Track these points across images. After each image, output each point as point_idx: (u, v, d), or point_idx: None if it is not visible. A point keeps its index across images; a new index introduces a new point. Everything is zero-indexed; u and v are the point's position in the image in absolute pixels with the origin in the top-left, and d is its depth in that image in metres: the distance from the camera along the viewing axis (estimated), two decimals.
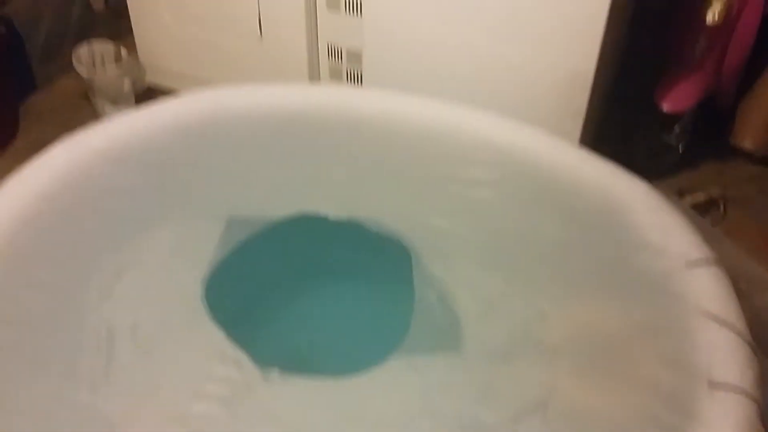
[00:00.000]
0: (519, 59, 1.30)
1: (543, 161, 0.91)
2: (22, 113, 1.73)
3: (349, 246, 0.91)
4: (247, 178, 0.89)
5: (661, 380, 0.64)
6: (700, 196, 1.44)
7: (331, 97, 1.01)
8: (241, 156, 0.91)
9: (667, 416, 0.60)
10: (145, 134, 0.91)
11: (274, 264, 0.95)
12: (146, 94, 1.72)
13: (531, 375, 0.65)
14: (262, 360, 0.65)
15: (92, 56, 1.67)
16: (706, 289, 0.73)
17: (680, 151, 1.54)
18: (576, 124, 1.32)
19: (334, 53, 1.55)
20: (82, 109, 1.73)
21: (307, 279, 1.00)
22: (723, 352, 0.66)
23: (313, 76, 1.60)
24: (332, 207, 0.86)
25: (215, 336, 0.68)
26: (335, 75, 1.58)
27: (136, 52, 1.74)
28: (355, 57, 1.52)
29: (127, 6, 1.72)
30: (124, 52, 1.67)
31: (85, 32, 1.97)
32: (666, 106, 1.44)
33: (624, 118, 1.59)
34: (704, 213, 1.42)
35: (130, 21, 1.74)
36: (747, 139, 1.55)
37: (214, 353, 0.66)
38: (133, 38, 1.75)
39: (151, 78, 1.75)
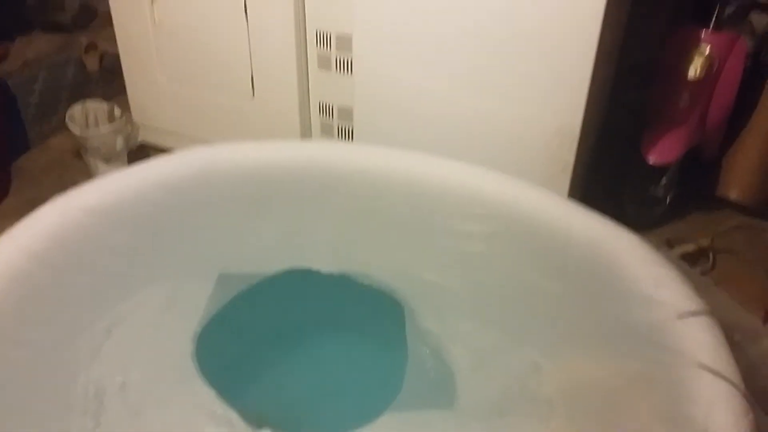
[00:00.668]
0: (507, 114, 1.32)
1: (534, 215, 0.91)
2: (15, 172, 1.74)
3: (341, 300, 0.90)
4: (238, 234, 0.89)
5: None
6: (689, 247, 1.45)
7: (323, 152, 1.03)
8: (232, 212, 0.92)
9: None
10: (137, 191, 0.91)
11: (266, 320, 0.94)
12: (139, 151, 1.73)
13: (526, 429, 0.64)
14: (253, 417, 0.64)
15: (86, 115, 1.69)
16: (700, 340, 0.73)
17: (668, 203, 1.56)
18: (565, 177, 1.34)
19: (326, 110, 1.58)
20: (75, 167, 1.75)
21: (299, 334, 0.99)
22: (718, 403, 0.65)
23: (305, 133, 1.63)
24: (324, 262, 0.86)
25: (206, 394, 0.66)
26: (327, 131, 1.61)
27: (130, 111, 1.76)
28: (346, 114, 1.55)
29: (121, 66, 1.76)
30: (117, 111, 1.70)
31: (79, 92, 2.00)
32: (652, 159, 1.46)
33: (612, 171, 1.61)
34: (694, 263, 1.42)
35: (123, 80, 1.77)
36: (733, 190, 1.57)
37: (204, 412, 0.65)
38: (127, 97, 1.78)
39: (145, 136, 1.77)
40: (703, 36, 1.41)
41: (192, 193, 0.93)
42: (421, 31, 1.31)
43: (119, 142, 1.65)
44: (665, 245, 1.44)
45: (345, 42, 1.45)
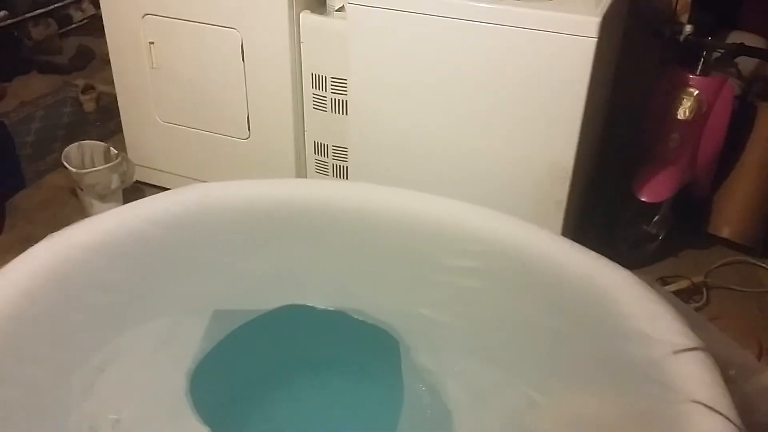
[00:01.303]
0: (501, 153, 1.34)
1: (529, 251, 0.92)
2: (10, 209, 1.74)
3: (336, 336, 0.90)
4: (233, 271, 0.89)
5: None
6: (682, 283, 1.45)
7: (318, 190, 1.03)
8: (227, 249, 0.92)
9: None
10: (131, 229, 0.91)
11: (261, 356, 0.93)
12: (134, 190, 1.74)
13: None
14: None
15: (81, 155, 1.70)
16: (695, 376, 0.73)
17: (660, 240, 1.57)
18: (558, 214, 1.35)
19: (321, 149, 1.60)
20: (69, 205, 1.75)
21: (294, 370, 0.98)
22: None
23: (300, 171, 1.64)
24: (319, 298, 0.86)
25: None
26: (321, 170, 1.62)
27: (126, 151, 1.77)
28: (341, 152, 1.56)
29: (117, 106, 1.77)
30: (113, 150, 1.71)
31: (76, 131, 2.02)
32: (643, 197, 1.48)
33: (604, 209, 1.63)
34: (687, 300, 1.43)
35: (120, 120, 1.79)
36: (724, 228, 1.59)
37: None
38: (123, 137, 1.80)
39: (140, 175, 1.78)
40: (691, 80, 1.45)
41: (186, 230, 0.93)
42: (416, 76, 1.34)
43: (114, 181, 1.66)
44: (659, 281, 1.44)
45: (340, 84, 1.48)
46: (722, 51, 1.45)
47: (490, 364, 0.77)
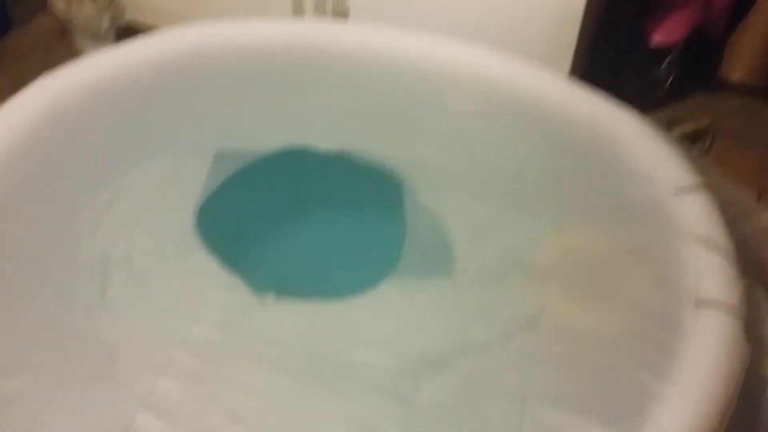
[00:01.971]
0: None
1: (533, 93, 0.90)
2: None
3: (339, 178, 0.90)
4: (233, 113, 0.87)
5: (650, 299, 0.66)
6: (688, 127, 1.45)
7: (318, 31, 0.99)
8: (225, 91, 0.90)
9: (655, 332, 0.62)
10: (128, 70, 0.88)
11: (265, 196, 0.94)
12: (126, 31, 1.67)
13: (522, 296, 0.66)
14: (256, 285, 0.66)
15: None
16: (695, 214, 0.74)
17: (669, 84, 1.54)
18: (566, 58, 1.31)
19: None
20: (60, 48, 1.68)
21: (298, 211, 1.00)
22: (710, 273, 0.67)
23: (297, 11, 1.57)
24: (322, 140, 0.85)
25: (209, 264, 0.68)
26: (320, 10, 1.55)
27: None
28: None
29: None
30: None
31: None
32: (656, 39, 1.43)
33: (613, 53, 1.58)
34: (692, 143, 1.43)
35: None
36: (736, 71, 1.56)
37: (208, 280, 0.66)
38: None
39: (132, 15, 1.70)
40: None
41: (183, 72, 0.90)
42: None
43: (105, 21, 1.60)
44: (665, 125, 1.43)
45: None
46: None
47: (492, 205, 0.77)
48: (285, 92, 0.90)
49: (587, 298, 0.66)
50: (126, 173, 0.77)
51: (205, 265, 0.68)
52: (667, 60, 1.50)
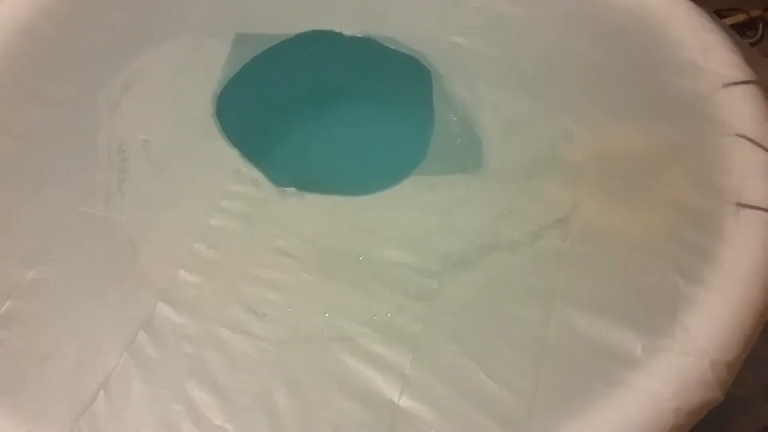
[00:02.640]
0: None
1: None
2: None
3: (365, 64, 0.86)
4: None
5: (688, 200, 0.62)
6: (738, 17, 1.35)
7: None
8: None
9: (692, 235, 0.59)
10: None
11: (287, 83, 0.91)
12: None
13: (553, 193, 0.64)
14: (277, 178, 0.64)
15: None
16: (743, 110, 0.69)
17: None
18: None
19: None
20: None
21: (320, 99, 0.96)
22: (754, 173, 0.64)
23: None
24: (346, 24, 0.80)
25: (229, 153, 0.66)
26: None
27: None
28: None
29: None
30: None
31: None
32: None
33: None
34: (742, 34, 1.34)
35: None
36: None
37: (229, 171, 0.65)
38: None
39: None
40: None
41: None
42: None
43: None
44: (713, 14, 1.34)
45: None
46: None
47: (526, 95, 0.73)
48: None
49: (621, 198, 0.63)
50: (143, 54, 0.74)
51: (225, 155, 0.66)
52: None
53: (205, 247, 0.59)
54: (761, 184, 0.63)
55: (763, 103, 0.71)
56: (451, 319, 0.56)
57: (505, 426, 0.51)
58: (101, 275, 0.57)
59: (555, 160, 0.66)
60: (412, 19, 0.81)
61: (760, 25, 1.37)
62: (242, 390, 0.52)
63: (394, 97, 0.93)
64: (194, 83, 0.72)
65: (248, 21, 0.79)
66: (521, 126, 0.71)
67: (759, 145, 0.65)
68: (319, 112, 0.96)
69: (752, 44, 1.34)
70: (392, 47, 0.78)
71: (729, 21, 1.34)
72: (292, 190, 0.63)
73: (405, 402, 0.52)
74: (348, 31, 0.80)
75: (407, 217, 0.63)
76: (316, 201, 0.63)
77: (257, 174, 0.64)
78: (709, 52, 0.75)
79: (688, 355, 0.52)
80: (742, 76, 0.72)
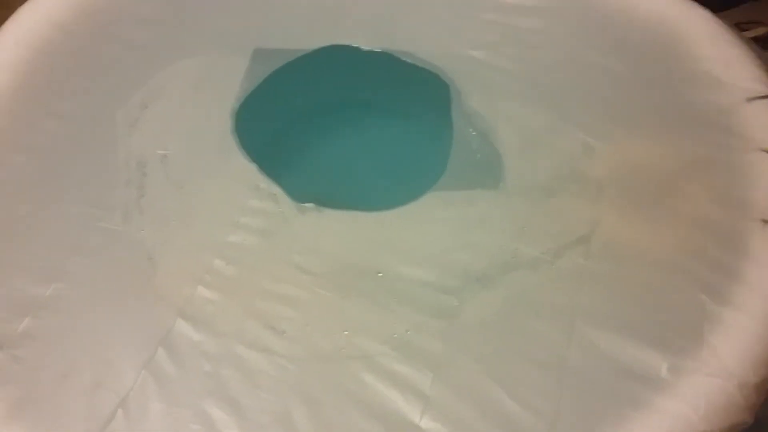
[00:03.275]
0: None
1: None
2: None
3: (383, 79, 0.86)
4: (272, 10, 0.83)
5: (712, 216, 0.61)
6: (760, 30, 1.34)
7: None
8: None
9: (717, 252, 0.58)
10: None
11: (304, 98, 0.91)
12: None
13: (574, 210, 0.63)
14: (296, 193, 0.64)
15: None
16: (766, 124, 0.68)
17: None
18: None
19: None
20: None
21: (339, 114, 0.96)
22: None
23: None
24: (363, 39, 0.80)
25: (248, 169, 0.66)
26: None
27: None
28: None
29: None
30: None
31: None
32: None
33: None
34: (764, 47, 1.32)
35: None
36: None
37: (248, 186, 0.65)
38: None
39: None
40: None
41: None
42: None
43: None
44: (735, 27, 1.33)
45: None
46: None
47: (545, 109, 0.73)
48: None
49: (644, 214, 0.62)
50: (161, 70, 0.74)
51: (244, 171, 0.65)
52: None
53: (223, 264, 0.59)
54: None
55: None
56: (471, 338, 0.55)
57: None
58: (119, 292, 0.57)
59: (575, 175, 0.66)
60: (428, 33, 0.81)
61: None
62: (261, 409, 0.52)
63: (412, 111, 0.93)
64: (213, 99, 0.72)
65: (267, 36, 0.79)
66: (540, 141, 0.70)
67: None
68: (337, 127, 0.96)
69: None
70: (410, 61, 0.78)
71: (749, 34, 1.33)
72: (310, 205, 0.63)
73: (426, 423, 0.51)
74: (365, 45, 0.80)
75: (426, 233, 0.62)
76: (334, 216, 0.63)
77: (276, 189, 0.64)
78: (732, 65, 0.74)
79: (715, 376, 0.51)
80: (765, 90, 0.71)
